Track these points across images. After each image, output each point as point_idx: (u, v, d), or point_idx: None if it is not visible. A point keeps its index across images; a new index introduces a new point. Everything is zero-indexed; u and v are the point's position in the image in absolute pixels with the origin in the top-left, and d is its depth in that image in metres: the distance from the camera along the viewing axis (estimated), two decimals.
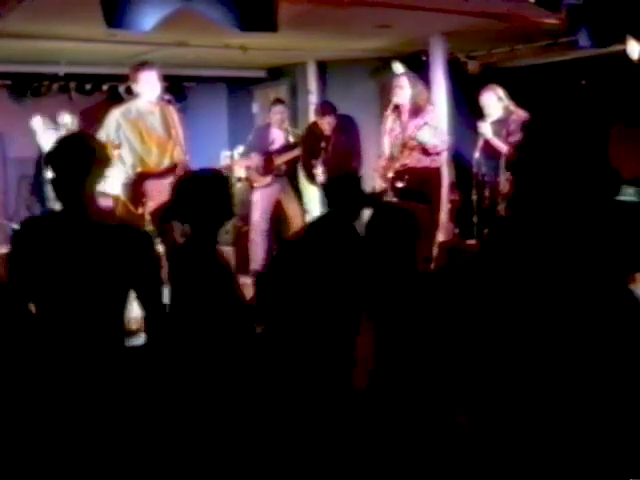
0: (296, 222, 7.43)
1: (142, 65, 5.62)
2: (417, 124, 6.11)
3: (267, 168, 7.29)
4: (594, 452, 2.49)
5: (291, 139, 7.44)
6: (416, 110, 6.16)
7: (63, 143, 2.85)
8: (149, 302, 2.92)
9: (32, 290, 2.81)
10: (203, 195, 3.15)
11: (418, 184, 6.00)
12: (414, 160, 6.10)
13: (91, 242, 2.76)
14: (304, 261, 3.71)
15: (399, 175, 6.09)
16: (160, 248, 5.81)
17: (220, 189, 3.17)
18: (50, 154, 2.83)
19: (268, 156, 7.34)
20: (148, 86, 5.54)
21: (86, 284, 2.76)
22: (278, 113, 7.42)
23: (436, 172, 6.24)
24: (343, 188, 4.04)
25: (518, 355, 2.53)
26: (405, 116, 6.22)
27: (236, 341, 3.08)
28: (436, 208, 6.23)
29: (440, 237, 6.79)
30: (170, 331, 3.03)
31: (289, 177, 7.49)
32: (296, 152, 7.29)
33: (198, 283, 3.07)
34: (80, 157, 2.77)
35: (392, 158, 6.21)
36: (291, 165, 7.43)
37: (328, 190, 4.20)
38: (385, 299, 3.13)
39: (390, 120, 6.26)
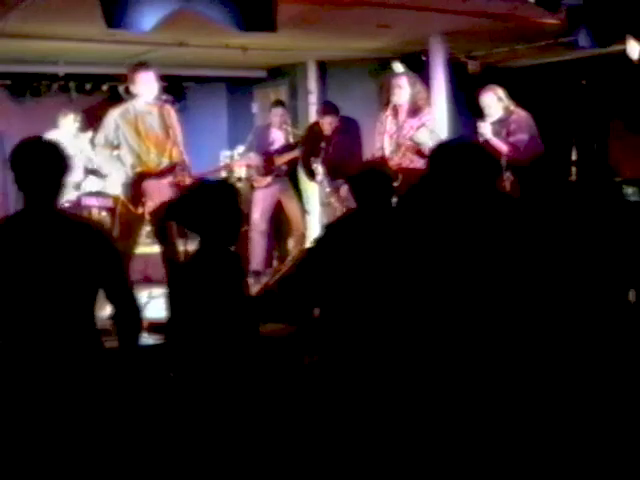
0: (296, 222, 7.45)
1: (139, 66, 5.62)
2: (414, 124, 6.13)
3: (267, 168, 7.30)
4: None
5: (291, 139, 7.45)
6: (414, 110, 6.17)
7: (33, 147, 2.90)
8: (117, 299, 2.94)
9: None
10: (215, 207, 3.11)
11: (409, 185, 6.05)
12: (407, 160, 6.14)
13: (55, 240, 2.80)
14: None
15: (393, 175, 6.11)
16: (157, 248, 5.83)
17: (231, 201, 3.15)
18: (19, 158, 2.88)
19: (268, 156, 7.35)
20: (146, 87, 5.54)
21: (50, 282, 2.78)
22: (278, 115, 7.44)
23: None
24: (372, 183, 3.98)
25: None
26: (402, 116, 6.23)
27: (243, 348, 3.08)
28: None
29: None
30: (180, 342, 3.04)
31: (289, 177, 7.50)
32: (296, 152, 7.30)
33: (206, 296, 3.05)
34: (55, 163, 2.85)
35: (386, 157, 6.25)
36: (291, 165, 7.44)
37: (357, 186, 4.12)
38: None
39: (389, 120, 6.27)
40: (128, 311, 2.98)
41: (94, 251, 2.84)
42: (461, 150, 3.08)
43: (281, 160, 7.34)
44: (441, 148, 3.14)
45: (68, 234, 2.83)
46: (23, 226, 2.86)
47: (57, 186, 2.87)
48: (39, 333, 2.78)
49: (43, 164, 2.84)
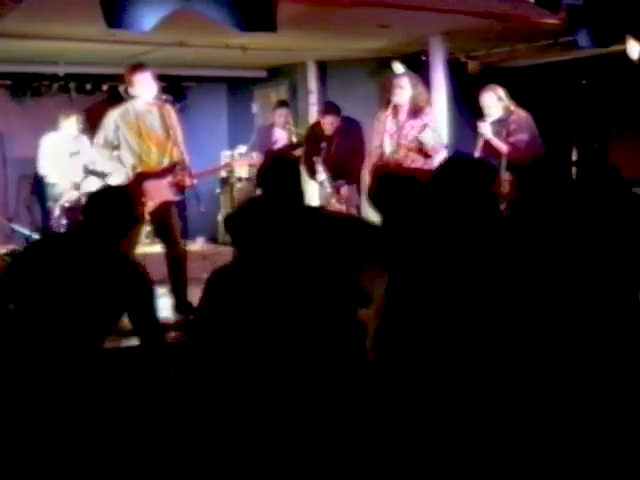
0: None
1: (136, 67, 5.61)
2: (415, 125, 6.14)
3: None
4: None
5: (294, 139, 7.47)
6: (415, 111, 6.18)
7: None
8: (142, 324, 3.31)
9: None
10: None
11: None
12: (408, 160, 6.15)
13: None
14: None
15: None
16: (157, 248, 5.83)
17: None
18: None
19: (271, 156, 7.36)
20: (144, 87, 5.54)
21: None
22: (282, 116, 7.51)
23: (428, 174, 6.30)
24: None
25: None
26: (403, 116, 6.23)
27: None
28: None
29: None
30: None
31: None
32: (299, 151, 7.32)
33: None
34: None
35: (384, 156, 6.27)
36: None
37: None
38: None
39: (389, 120, 6.28)
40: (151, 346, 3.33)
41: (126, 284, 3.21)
42: (474, 167, 3.11)
43: None
44: (452, 163, 3.15)
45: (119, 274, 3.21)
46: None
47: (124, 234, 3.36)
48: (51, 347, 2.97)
49: (121, 214, 3.30)
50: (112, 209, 3.25)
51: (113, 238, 3.24)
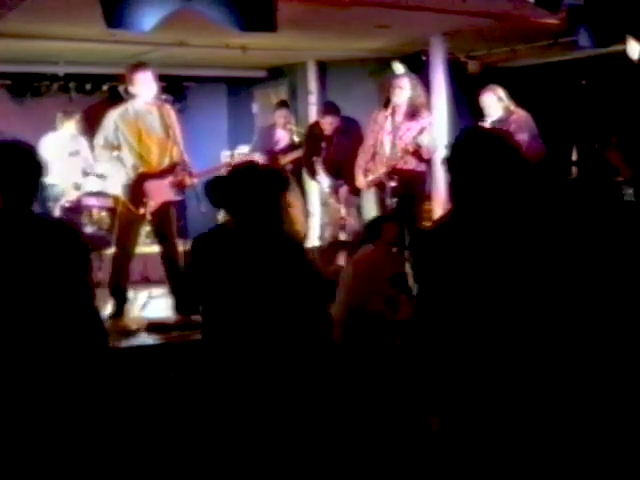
0: (300, 222, 7.45)
1: (137, 66, 5.61)
2: (412, 127, 6.18)
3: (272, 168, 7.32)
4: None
5: (296, 139, 7.49)
6: (412, 113, 6.22)
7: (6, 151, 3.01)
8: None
9: None
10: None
11: (403, 185, 6.13)
12: (402, 162, 6.20)
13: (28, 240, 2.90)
14: None
15: (390, 175, 6.17)
16: (157, 248, 5.84)
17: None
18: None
19: (273, 156, 7.38)
20: (144, 87, 5.54)
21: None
22: (282, 116, 7.55)
23: (421, 176, 6.41)
24: None
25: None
26: (399, 117, 6.25)
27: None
28: (419, 211, 6.47)
29: None
30: None
31: (294, 177, 7.53)
32: (301, 152, 7.34)
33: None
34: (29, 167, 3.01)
35: (377, 157, 6.29)
36: (296, 165, 7.47)
37: None
38: None
39: (388, 120, 6.29)
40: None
41: (65, 247, 2.95)
42: (477, 136, 2.73)
43: (286, 159, 7.41)
44: (457, 146, 2.77)
45: (41, 233, 2.94)
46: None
47: (31, 189, 2.99)
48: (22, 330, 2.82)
49: (18, 168, 2.94)
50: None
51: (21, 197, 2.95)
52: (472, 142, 2.63)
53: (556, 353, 2.50)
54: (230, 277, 3.14)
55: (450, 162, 2.61)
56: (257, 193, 3.20)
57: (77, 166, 7.52)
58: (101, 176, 7.04)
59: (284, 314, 3.14)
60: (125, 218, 5.61)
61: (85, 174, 7.38)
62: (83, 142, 7.67)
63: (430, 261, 2.61)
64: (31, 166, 2.97)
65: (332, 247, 6.86)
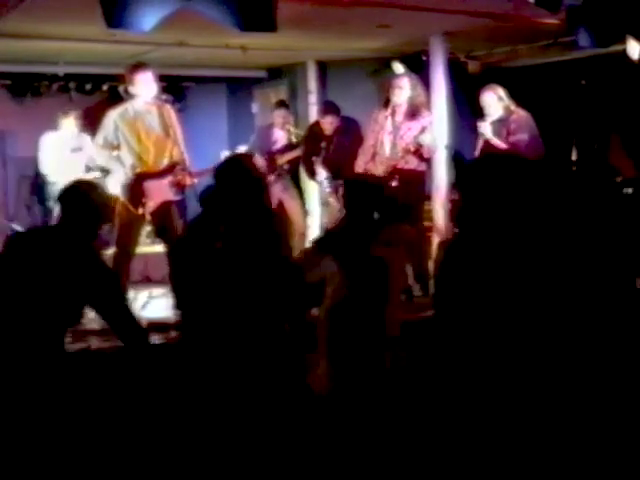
0: (297, 222, 7.45)
1: (137, 66, 5.62)
2: (412, 127, 6.18)
3: (270, 168, 7.32)
4: None
5: (293, 139, 7.49)
6: (412, 113, 6.22)
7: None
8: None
9: None
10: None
11: (403, 184, 6.13)
12: (402, 161, 6.20)
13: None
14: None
15: (390, 175, 6.18)
16: (157, 248, 5.83)
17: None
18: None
19: (271, 156, 7.38)
20: (144, 87, 5.54)
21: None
22: (280, 116, 7.53)
23: (421, 175, 6.42)
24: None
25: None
26: (399, 117, 6.26)
27: None
28: (419, 211, 6.45)
29: (440, 237, 6.85)
30: None
31: (292, 177, 7.54)
32: (298, 152, 7.33)
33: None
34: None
35: (377, 157, 6.29)
36: (293, 165, 7.48)
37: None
38: None
39: (388, 120, 6.29)
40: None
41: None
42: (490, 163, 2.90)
43: (283, 159, 7.40)
44: (471, 169, 2.88)
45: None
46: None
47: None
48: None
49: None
50: (80, 205, 3.36)
51: (80, 232, 3.33)
52: (486, 167, 2.79)
53: (556, 353, 2.54)
54: (201, 275, 3.26)
55: (464, 185, 2.75)
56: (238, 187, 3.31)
57: (79, 163, 7.53)
58: (104, 170, 7.03)
59: (251, 310, 3.32)
60: (124, 218, 5.61)
61: (88, 169, 7.38)
62: (86, 138, 7.64)
63: (447, 277, 2.76)
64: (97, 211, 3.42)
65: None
